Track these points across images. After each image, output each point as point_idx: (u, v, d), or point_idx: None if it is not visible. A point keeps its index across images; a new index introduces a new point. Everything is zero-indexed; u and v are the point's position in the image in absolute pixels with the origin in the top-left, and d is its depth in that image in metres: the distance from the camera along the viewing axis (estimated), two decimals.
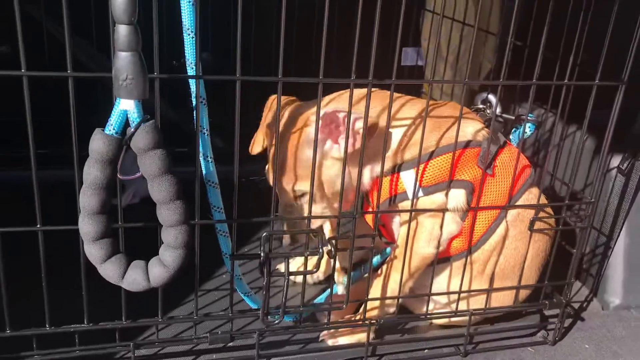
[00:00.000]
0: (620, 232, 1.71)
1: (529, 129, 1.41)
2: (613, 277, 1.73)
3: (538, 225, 1.37)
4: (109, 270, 0.98)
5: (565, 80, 1.25)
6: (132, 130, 0.93)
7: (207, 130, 1.12)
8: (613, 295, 1.73)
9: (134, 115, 0.93)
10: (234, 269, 1.23)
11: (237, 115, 1.06)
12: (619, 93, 1.29)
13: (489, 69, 2.28)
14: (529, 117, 1.38)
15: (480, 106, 1.44)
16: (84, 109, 1.02)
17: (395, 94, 1.34)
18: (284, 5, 0.98)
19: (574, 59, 1.27)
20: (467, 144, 1.29)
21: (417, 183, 1.25)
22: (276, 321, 1.23)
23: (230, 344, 1.29)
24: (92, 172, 0.92)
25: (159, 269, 0.99)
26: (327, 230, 1.44)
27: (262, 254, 1.15)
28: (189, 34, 1.04)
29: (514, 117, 1.39)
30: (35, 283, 1.10)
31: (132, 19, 0.86)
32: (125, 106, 0.92)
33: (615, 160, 1.71)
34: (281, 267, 1.58)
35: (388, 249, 1.41)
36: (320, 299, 1.44)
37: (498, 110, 1.42)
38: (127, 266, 0.99)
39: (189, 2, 1.02)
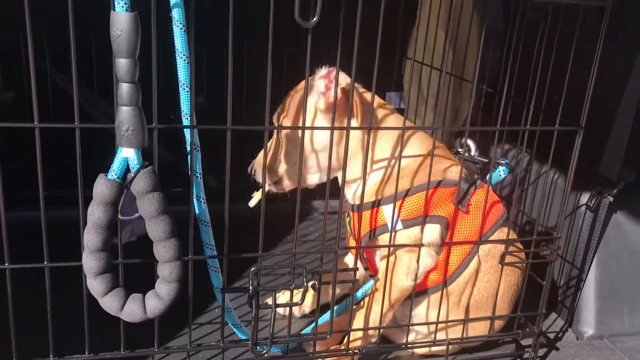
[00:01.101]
0: (590, 264, 1.81)
1: (503, 172, 1.52)
2: (586, 308, 1.82)
3: (508, 259, 1.47)
4: (109, 303, 1.07)
5: (528, 126, 1.36)
6: (132, 175, 1.03)
7: (200, 174, 1.23)
8: (586, 325, 1.81)
9: (134, 162, 1.04)
10: (225, 302, 1.32)
11: (227, 160, 1.17)
12: (578, 137, 1.41)
13: (467, 111, 2.41)
14: (503, 161, 1.50)
15: (459, 150, 1.55)
16: (87, 154, 1.13)
17: None
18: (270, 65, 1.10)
19: (536, 105, 1.39)
20: (444, 183, 1.40)
21: (397, 215, 1.35)
22: (264, 351, 1.31)
23: None
24: (95, 213, 1.02)
25: (155, 301, 1.08)
26: None
27: (250, 288, 1.24)
28: (184, 89, 1.16)
29: (487, 160, 1.50)
30: (41, 315, 1.18)
31: (134, 78, 0.97)
32: (126, 154, 1.03)
33: (585, 198, 1.83)
34: (270, 300, 1.67)
35: (370, 283, 1.50)
36: (307, 330, 1.53)
37: (475, 153, 1.53)
38: (125, 299, 1.09)
39: (185, 61, 1.14)
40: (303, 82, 1.37)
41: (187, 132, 1.18)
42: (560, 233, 1.51)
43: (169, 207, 1.06)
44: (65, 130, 1.10)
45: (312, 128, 1.32)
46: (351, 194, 1.48)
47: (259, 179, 1.51)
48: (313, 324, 1.45)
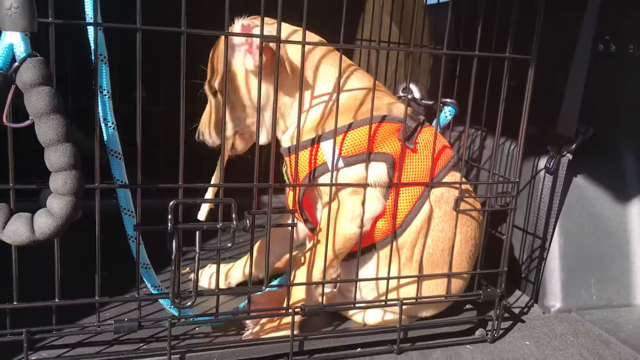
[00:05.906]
0: (553, 233, 1.69)
1: (449, 112, 1.40)
2: (551, 281, 1.69)
3: (463, 206, 1.33)
4: None
5: (476, 51, 1.26)
6: (17, 64, 0.88)
7: (108, 92, 1.08)
8: (553, 299, 1.68)
9: (20, 50, 0.89)
10: (141, 255, 1.14)
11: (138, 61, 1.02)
12: (531, 67, 1.31)
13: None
14: (448, 100, 1.38)
15: (401, 94, 1.43)
16: None
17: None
18: None
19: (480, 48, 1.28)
20: (388, 118, 1.28)
21: (338, 152, 1.22)
22: (189, 303, 1.13)
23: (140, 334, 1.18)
24: None
25: (46, 219, 0.91)
26: None
27: (169, 225, 1.07)
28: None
29: (432, 102, 1.39)
30: None
31: None
32: (11, 39, 0.88)
33: (543, 161, 1.72)
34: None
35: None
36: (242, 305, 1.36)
37: (419, 96, 1.42)
38: (9, 217, 0.91)
39: None
40: (221, 39, 1.25)
41: (91, 32, 1.03)
42: (519, 178, 1.38)
43: (62, 105, 0.90)
44: None
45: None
46: (288, 136, 1.34)
47: (208, 140, 1.40)
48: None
